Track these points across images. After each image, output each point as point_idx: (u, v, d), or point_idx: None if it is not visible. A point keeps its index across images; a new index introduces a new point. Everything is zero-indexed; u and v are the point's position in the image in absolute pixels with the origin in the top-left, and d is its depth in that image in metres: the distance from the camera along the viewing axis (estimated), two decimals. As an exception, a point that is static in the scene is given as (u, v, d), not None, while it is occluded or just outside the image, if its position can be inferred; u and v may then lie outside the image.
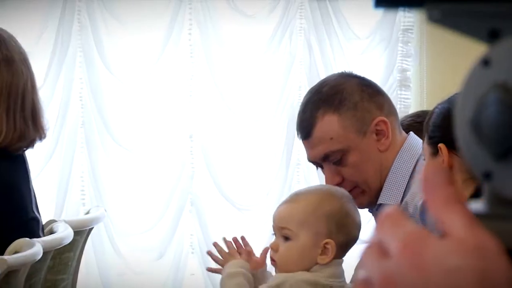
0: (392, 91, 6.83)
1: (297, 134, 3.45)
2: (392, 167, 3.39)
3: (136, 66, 7.28)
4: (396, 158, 3.40)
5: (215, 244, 3.34)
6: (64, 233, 4.00)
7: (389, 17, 6.71)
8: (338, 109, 3.31)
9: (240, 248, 3.28)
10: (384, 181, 3.38)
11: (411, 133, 3.54)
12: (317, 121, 3.31)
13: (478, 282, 0.89)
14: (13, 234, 3.58)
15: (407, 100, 6.96)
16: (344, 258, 3.15)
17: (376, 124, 3.35)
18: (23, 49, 3.85)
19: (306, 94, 3.51)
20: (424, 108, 6.31)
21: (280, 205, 3.18)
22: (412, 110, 6.64)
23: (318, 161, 3.41)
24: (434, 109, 3.20)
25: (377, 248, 0.96)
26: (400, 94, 6.97)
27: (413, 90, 6.92)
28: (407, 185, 3.37)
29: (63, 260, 4.24)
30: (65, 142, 7.02)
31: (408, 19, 6.87)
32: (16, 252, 3.53)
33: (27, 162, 3.82)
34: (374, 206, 3.43)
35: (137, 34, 7.28)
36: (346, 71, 3.64)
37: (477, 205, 0.96)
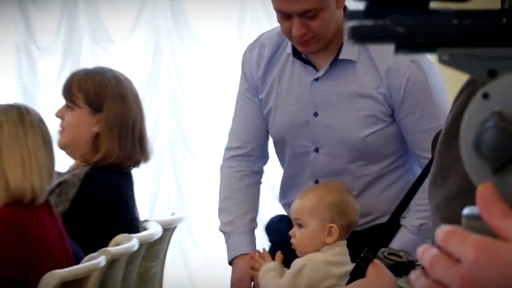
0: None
1: None
2: None
3: (210, 98, 7.32)
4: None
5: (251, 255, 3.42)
6: (154, 230, 4.03)
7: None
8: None
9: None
10: (339, 36, 3.26)
11: None
12: None
13: None
14: (121, 230, 3.61)
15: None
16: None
17: None
18: (136, 90, 3.89)
19: None
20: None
21: (295, 201, 3.23)
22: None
23: (293, 14, 3.16)
24: None
25: (447, 257, 0.94)
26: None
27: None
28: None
29: (154, 251, 4.26)
30: (155, 159, 7.08)
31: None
32: (117, 245, 3.56)
33: (132, 177, 3.86)
34: (320, 51, 3.27)
35: (210, 73, 7.30)
36: None
37: (476, 209, 0.96)
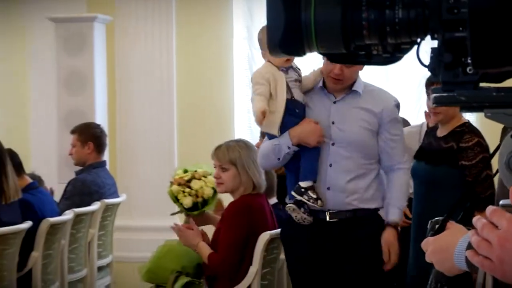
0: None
1: None
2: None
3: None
4: None
5: None
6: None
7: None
8: None
9: None
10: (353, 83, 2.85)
11: None
12: None
13: None
14: None
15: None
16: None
17: None
18: None
19: None
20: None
21: None
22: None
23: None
24: None
25: (491, 225, 0.97)
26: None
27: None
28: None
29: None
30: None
31: (471, 117, 6.16)
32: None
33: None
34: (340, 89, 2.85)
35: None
36: None
37: (507, 201, 0.97)
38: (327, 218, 2.80)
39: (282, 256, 3.36)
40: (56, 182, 4.98)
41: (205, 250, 3.16)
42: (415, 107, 5.55)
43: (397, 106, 2.89)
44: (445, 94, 1.00)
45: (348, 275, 2.78)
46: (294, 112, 2.82)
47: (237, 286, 3.11)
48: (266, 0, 1.02)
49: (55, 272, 3.84)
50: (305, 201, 2.76)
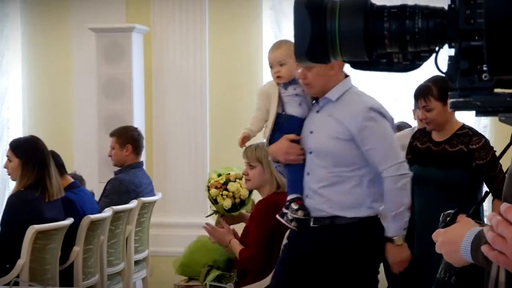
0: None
1: None
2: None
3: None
4: None
5: None
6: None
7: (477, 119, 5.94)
8: None
9: None
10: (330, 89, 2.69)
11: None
12: None
13: None
14: None
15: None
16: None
17: None
18: None
19: None
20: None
21: None
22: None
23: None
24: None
25: (505, 222, 0.97)
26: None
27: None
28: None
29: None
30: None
31: (485, 120, 6.04)
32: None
33: None
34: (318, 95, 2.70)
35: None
36: None
37: None
38: (311, 224, 2.70)
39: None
40: (96, 181, 5.05)
41: (237, 247, 3.19)
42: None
43: (372, 109, 2.63)
44: (461, 100, 1.01)
45: (320, 283, 2.67)
46: (282, 127, 2.72)
47: (264, 280, 3.14)
48: (294, 11, 1.04)
49: (95, 266, 3.90)
50: (289, 213, 2.69)
